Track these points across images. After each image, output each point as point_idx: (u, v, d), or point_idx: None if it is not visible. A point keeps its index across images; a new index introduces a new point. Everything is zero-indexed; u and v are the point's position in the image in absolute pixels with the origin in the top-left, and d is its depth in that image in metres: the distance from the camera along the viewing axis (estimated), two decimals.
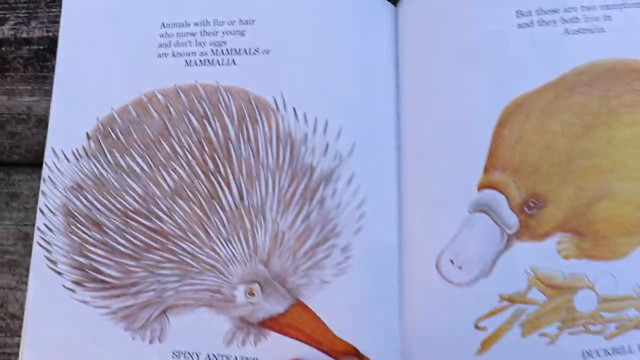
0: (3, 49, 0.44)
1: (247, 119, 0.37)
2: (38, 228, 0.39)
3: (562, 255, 0.37)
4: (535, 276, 0.37)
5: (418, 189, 0.36)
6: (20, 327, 0.40)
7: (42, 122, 0.42)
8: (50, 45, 0.43)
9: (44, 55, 0.44)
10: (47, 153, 0.40)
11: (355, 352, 0.36)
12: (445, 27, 0.38)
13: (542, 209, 0.36)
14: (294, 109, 0.37)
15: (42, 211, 0.39)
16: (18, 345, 0.40)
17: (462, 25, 0.38)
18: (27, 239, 0.41)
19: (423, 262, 0.36)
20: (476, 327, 0.36)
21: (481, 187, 0.36)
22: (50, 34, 0.43)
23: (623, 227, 0.36)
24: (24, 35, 0.44)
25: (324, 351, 0.36)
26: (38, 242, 0.39)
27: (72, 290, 0.39)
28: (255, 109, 0.38)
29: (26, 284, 0.39)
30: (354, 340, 0.36)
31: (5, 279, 0.41)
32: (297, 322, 0.36)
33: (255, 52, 0.38)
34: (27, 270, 0.39)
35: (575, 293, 0.37)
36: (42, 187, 0.39)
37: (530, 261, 0.36)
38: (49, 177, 0.40)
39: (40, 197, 0.39)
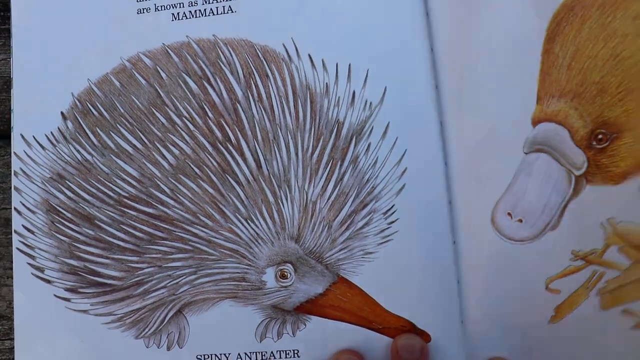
0: None
1: (255, 74, 0.33)
2: (16, 231, 0.34)
3: None
4: (613, 231, 0.33)
5: (463, 132, 0.32)
6: (10, 329, 0.37)
7: (11, 85, 0.38)
8: None
9: (4, 3, 0.40)
10: (15, 140, 0.34)
11: (412, 328, 0.32)
12: None
13: (616, 140, 0.33)
14: (310, 55, 0.33)
15: (18, 211, 0.34)
16: (10, 350, 0.35)
17: None
18: (8, 225, 0.38)
19: (478, 219, 0.33)
20: (547, 288, 0.32)
21: (536, 120, 0.33)
22: None
23: None
24: None
25: (376, 329, 0.33)
26: (18, 248, 0.34)
27: (67, 299, 0.36)
28: (264, 61, 0.33)
29: (12, 277, 0.37)
30: (409, 314, 0.33)
31: None
32: (340, 301, 0.32)
33: None
34: (11, 261, 0.36)
35: None
36: (15, 182, 0.34)
37: (608, 211, 0.33)
38: (21, 169, 0.34)
39: (14, 194, 0.33)
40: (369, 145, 0.34)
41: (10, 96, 0.37)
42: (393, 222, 0.34)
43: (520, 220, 0.34)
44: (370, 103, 0.34)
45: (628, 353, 0.32)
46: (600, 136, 0.32)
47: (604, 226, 0.33)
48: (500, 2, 0.34)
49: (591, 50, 0.32)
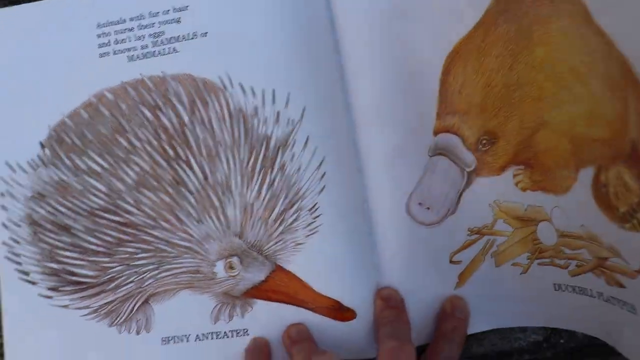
0: None
1: (198, 102, 0.40)
2: (4, 243, 0.40)
3: (520, 187, 0.41)
4: (499, 209, 0.42)
5: (377, 141, 0.39)
6: None
7: None
8: None
9: None
10: (1, 167, 0.40)
11: (340, 306, 0.38)
12: None
13: (495, 144, 0.41)
14: (241, 84, 0.40)
15: (5, 225, 0.40)
16: None
17: None
18: None
19: (393, 209, 0.40)
20: (451, 261, 0.39)
21: (436, 131, 0.42)
22: None
23: (560, 158, 0.40)
24: None
25: (309, 309, 0.39)
26: (6, 257, 0.40)
27: (49, 297, 0.41)
28: (204, 91, 0.40)
29: None
30: (336, 294, 0.39)
31: None
32: (279, 286, 0.38)
33: (194, 36, 0.40)
34: None
35: (537, 225, 0.41)
36: (2, 201, 0.40)
37: (493, 195, 0.41)
38: (7, 191, 0.40)
39: (1, 212, 0.40)
40: (293, 155, 0.41)
41: None
42: (317, 216, 0.41)
43: (429, 208, 0.41)
44: (292, 120, 0.41)
45: (520, 290, 0.40)
46: (484, 141, 0.40)
47: (491, 206, 0.41)
48: (405, 45, 0.41)
49: (474, 81, 0.40)
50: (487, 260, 0.41)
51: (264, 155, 0.41)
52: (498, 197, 0.41)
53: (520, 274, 0.40)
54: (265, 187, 0.41)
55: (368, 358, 0.41)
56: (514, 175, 0.40)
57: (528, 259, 0.40)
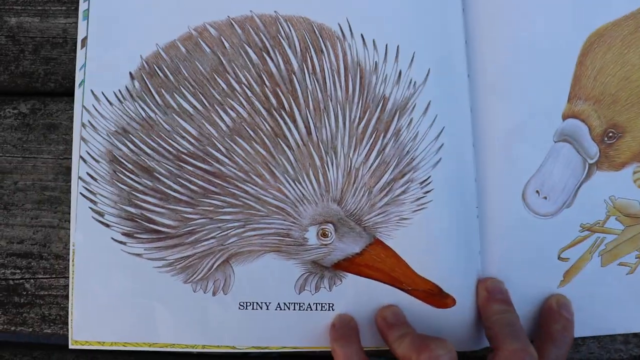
0: None
1: (311, 49, 0.36)
2: (80, 177, 0.37)
3: (638, 184, 0.39)
4: (613, 205, 0.39)
5: (497, 117, 0.35)
6: (65, 268, 0.40)
7: (77, 46, 0.41)
8: None
9: None
10: (86, 96, 0.36)
11: (439, 291, 0.34)
12: None
13: (620, 139, 0.39)
14: (362, 35, 0.36)
15: (83, 159, 0.36)
16: (64, 287, 0.38)
17: None
18: (68, 173, 0.41)
19: (506, 193, 0.36)
20: (559, 258, 0.36)
21: (566, 116, 0.39)
22: None
23: None
24: None
25: (405, 290, 0.35)
26: (81, 193, 0.37)
27: (123, 243, 0.37)
28: (319, 37, 0.36)
29: (69, 221, 0.40)
30: (436, 277, 0.35)
31: (47, 217, 0.41)
32: (375, 261, 0.35)
33: None
34: (69, 207, 0.40)
35: None
36: (83, 133, 0.37)
37: (609, 191, 0.39)
38: (89, 122, 0.37)
39: (81, 144, 0.36)
40: (410, 121, 0.37)
41: (76, 57, 0.40)
42: (428, 191, 0.37)
43: (545, 198, 0.38)
44: (415, 82, 0.37)
45: (625, 291, 0.38)
46: (610, 134, 0.39)
47: (606, 202, 0.39)
48: (544, 17, 0.39)
49: (611, 70, 0.39)
50: (593, 259, 0.39)
51: (378, 118, 0.37)
52: (614, 193, 0.39)
53: (627, 274, 0.39)
54: (374, 152, 0.37)
55: (462, 350, 0.37)
56: (634, 173, 0.39)
57: (637, 257, 0.39)
